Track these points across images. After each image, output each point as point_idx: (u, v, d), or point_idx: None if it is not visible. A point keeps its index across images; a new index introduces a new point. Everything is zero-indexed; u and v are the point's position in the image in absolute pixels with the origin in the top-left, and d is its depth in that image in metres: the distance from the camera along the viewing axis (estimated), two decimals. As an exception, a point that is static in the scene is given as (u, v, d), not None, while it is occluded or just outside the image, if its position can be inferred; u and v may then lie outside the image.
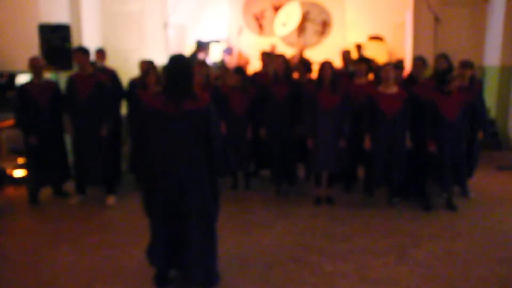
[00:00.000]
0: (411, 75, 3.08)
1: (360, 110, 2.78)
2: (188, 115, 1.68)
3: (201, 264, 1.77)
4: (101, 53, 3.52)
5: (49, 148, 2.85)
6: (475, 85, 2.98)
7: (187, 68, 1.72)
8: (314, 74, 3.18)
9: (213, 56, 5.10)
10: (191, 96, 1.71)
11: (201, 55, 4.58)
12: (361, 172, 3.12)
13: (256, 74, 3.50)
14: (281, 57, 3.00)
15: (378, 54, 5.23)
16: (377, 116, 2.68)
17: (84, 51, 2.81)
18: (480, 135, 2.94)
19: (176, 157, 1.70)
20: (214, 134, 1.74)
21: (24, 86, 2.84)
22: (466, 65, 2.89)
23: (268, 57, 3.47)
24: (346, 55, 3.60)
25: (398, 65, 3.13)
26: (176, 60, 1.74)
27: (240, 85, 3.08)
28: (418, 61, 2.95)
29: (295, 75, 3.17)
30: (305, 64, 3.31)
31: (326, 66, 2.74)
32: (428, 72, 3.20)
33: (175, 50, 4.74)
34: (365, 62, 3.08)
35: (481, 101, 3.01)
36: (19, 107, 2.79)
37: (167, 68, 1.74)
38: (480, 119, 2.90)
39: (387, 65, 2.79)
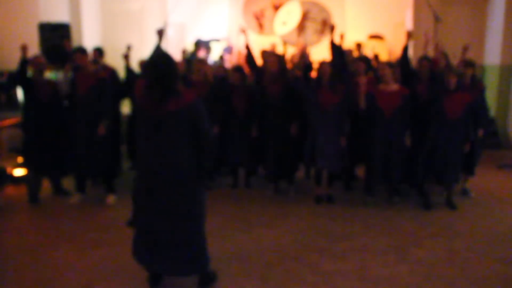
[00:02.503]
0: (414, 73, 3.06)
1: (359, 108, 2.77)
2: (172, 116, 1.63)
3: (189, 266, 1.74)
4: (98, 52, 3.48)
5: (48, 144, 2.83)
6: (477, 85, 2.97)
7: (168, 67, 1.64)
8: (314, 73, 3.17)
9: (214, 55, 5.08)
10: (174, 95, 1.64)
11: (201, 53, 4.56)
12: (361, 171, 3.12)
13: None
14: (275, 55, 2.98)
15: (378, 53, 5.22)
16: (376, 114, 2.67)
17: (82, 51, 2.81)
18: (480, 133, 2.92)
19: (162, 158, 1.65)
20: (202, 130, 1.66)
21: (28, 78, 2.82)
22: (467, 64, 2.87)
23: (268, 55, 3.45)
24: (347, 54, 3.58)
25: (397, 63, 3.11)
26: (157, 59, 1.67)
27: (240, 84, 3.07)
28: (424, 61, 2.91)
29: (297, 72, 3.17)
30: (305, 63, 3.29)
31: (324, 66, 2.73)
32: None
33: (175, 49, 4.72)
34: (364, 61, 3.07)
35: (483, 100, 2.99)
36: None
37: (148, 63, 1.67)
38: (481, 118, 2.89)
39: (382, 63, 2.80)
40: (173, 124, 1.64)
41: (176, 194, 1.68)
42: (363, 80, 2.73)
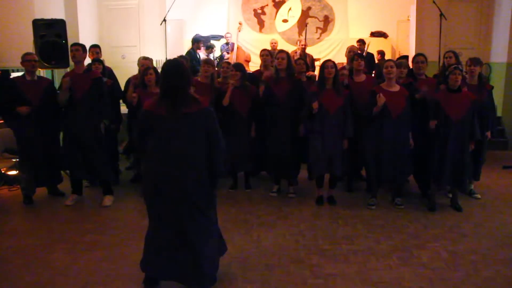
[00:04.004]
0: (411, 72, 3.00)
1: (361, 108, 2.71)
2: (188, 119, 1.67)
3: (198, 268, 1.72)
4: (95, 49, 3.40)
5: (42, 146, 2.79)
6: (484, 84, 2.90)
7: (183, 72, 1.70)
8: (315, 71, 3.10)
9: (215, 54, 5.01)
10: (189, 99, 1.70)
11: (202, 52, 4.47)
12: (363, 171, 3.07)
13: (257, 72, 3.40)
14: (284, 52, 2.90)
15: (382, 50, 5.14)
16: (381, 114, 2.61)
17: (83, 47, 2.76)
18: (488, 135, 2.85)
19: (177, 162, 1.67)
20: (215, 135, 1.72)
21: (15, 80, 2.76)
22: (475, 62, 2.80)
23: (268, 54, 3.36)
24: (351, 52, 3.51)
25: (404, 64, 3.04)
26: (172, 64, 1.72)
27: (241, 83, 3.01)
28: (420, 57, 2.86)
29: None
30: (306, 62, 3.21)
31: (328, 67, 2.64)
32: (435, 69, 3.12)
33: (173, 46, 4.65)
34: (363, 59, 2.99)
35: (492, 101, 2.92)
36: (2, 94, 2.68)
37: (162, 72, 1.73)
38: (489, 120, 2.83)
39: (390, 61, 2.72)
40: (188, 127, 1.67)
41: (187, 199, 1.68)
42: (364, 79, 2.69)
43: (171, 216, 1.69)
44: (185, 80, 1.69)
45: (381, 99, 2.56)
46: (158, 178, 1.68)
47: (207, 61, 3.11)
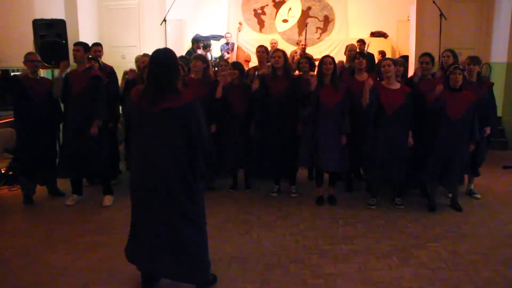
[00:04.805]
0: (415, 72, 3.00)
1: (360, 107, 2.71)
2: (167, 114, 1.59)
3: (188, 269, 1.69)
4: (97, 47, 3.39)
5: (40, 145, 2.79)
6: (483, 81, 2.90)
7: (169, 62, 1.62)
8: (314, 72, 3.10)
9: (214, 53, 5.02)
10: (173, 92, 1.62)
11: (200, 51, 4.48)
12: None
13: (253, 69, 3.40)
14: (280, 51, 2.91)
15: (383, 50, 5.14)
16: (378, 111, 2.61)
17: (84, 47, 2.74)
18: (488, 131, 2.83)
19: (157, 159, 1.62)
20: (196, 133, 1.63)
21: (19, 77, 2.78)
22: (474, 61, 2.80)
23: (265, 51, 3.36)
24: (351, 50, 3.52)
25: (400, 61, 3.04)
26: (158, 54, 1.66)
27: (239, 82, 3.00)
28: (426, 57, 2.83)
29: (298, 71, 3.10)
30: (308, 61, 3.21)
31: (326, 63, 2.64)
32: (435, 68, 3.12)
33: (173, 46, 4.64)
34: (364, 58, 3.00)
35: (492, 97, 2.89)
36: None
37: (150, 60, 1.67)
38: (490, 116, 2.81)
39: (387, 60, 2.72)
40: (168, 122, 1.61)
41: (169, 195, 1.64)
42: (367, 78, 2.68)
43: (154, 212, 1.64)
44: (171, 70, 1.60)
45: (369, 82, 2.59)
46: (140, 174, 1.64)
47: (196, 57, 3.06)
